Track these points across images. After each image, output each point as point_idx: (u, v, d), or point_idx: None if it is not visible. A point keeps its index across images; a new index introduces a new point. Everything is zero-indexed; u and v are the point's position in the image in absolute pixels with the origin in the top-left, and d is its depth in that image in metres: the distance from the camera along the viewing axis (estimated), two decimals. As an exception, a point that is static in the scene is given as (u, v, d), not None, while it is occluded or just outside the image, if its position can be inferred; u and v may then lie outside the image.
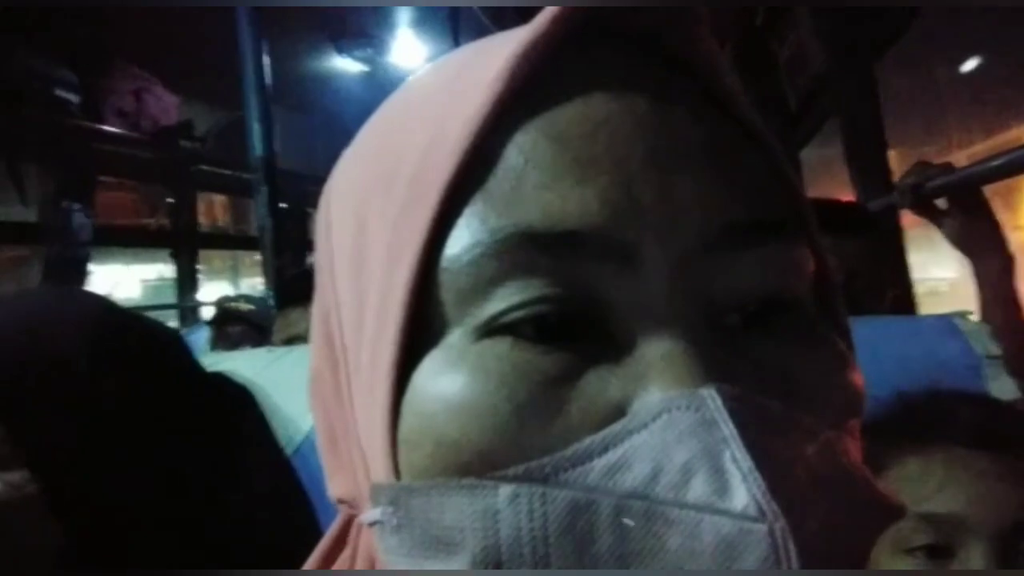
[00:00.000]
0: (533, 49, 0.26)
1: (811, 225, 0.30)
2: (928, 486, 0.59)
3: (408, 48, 3.50)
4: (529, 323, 0.25)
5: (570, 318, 0.25)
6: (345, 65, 3.19)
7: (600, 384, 0.25)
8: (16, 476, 0.59)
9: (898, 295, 1.31)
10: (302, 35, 2.89)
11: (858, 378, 0.28)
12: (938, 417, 0.63)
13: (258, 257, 1.71)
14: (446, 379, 0.25)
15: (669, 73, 0.28)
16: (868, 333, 0.86)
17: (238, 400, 0.80)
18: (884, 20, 1.77)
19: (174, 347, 0.76)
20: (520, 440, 0.24)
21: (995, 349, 0.79)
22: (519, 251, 0.25)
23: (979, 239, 1.12)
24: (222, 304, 2.20)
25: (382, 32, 3.02)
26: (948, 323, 0.85)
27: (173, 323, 3.38)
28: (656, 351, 0.25)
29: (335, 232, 0.32)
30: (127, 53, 2.82)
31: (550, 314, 0.25)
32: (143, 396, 0.67)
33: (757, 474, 0.21)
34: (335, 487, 0.33)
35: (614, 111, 0.26)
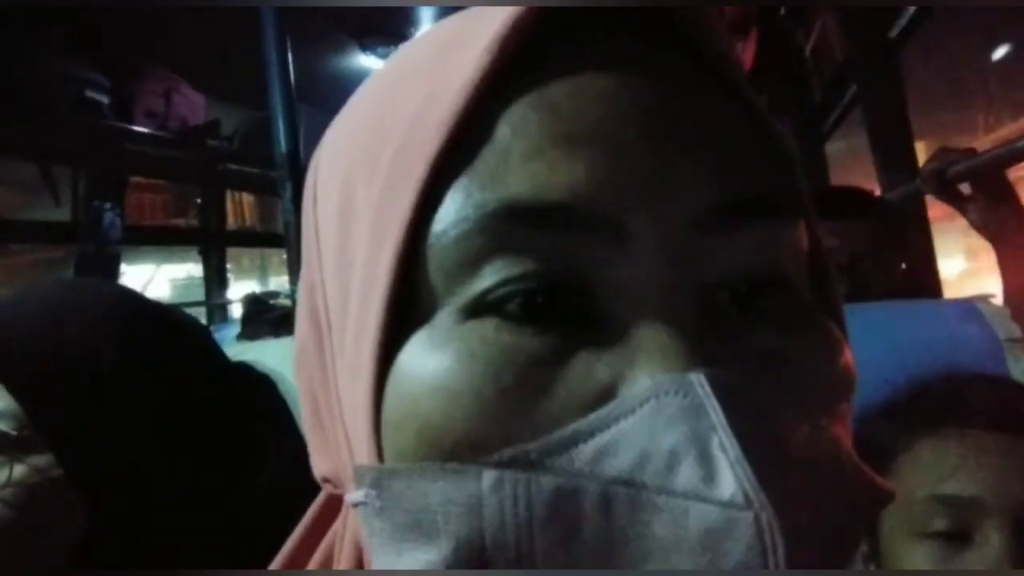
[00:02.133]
0: (522, 23, 0.25)
1: (808, 206, 0.29)
2: (943, 469, 0.59)
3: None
4: (515, 302, 0.25)
5: (558, 296, 0.25)
6: (369, 63, 3.20)
7: (587, 366, 0.24)
8: (41, 460, 0.61)
9: (922, 279, 1.31)
10: (326, 34, 2.91)
11: (849, 361, 0.28)
12: (953, 400, 0.63)
13: (285, 256, 1.72)
14: (431, 361, 0.25)
15: (669, 48, 0.28)
16: (889, 318, 0.86)
17: (261, 389, 0.81)
18: (905, 7, 1.75)
19: (198, 336, 0.78)
20: (506, 424, 0.24)
21: (1016, 332, 0.79)
22: (505, 226, 0.24)
23: (1003, 223, 1.11)
24: (250, 299, 2.23)
25: (406, 30, 3.03)
26: (970, 307, 0.85)
27: (202, 321, 3.42)
28: (645, 333, 0.24)
29: (321, 203, 0.32)
30: (155, 54, 2.86)
31: (537, 292, 0.25)
32: (166, 384, 0.68)
33: (744, 462, 0.21)
34: (319, 465, 0.33)
35: (609, 85, 0.25)
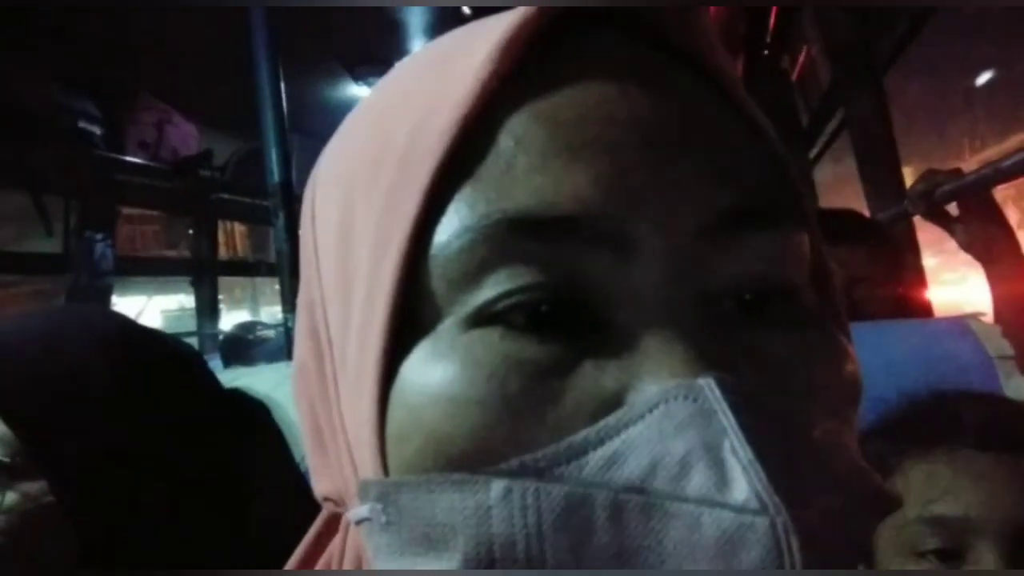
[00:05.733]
0: (521, 32, 0.26)
1: (809, 214, 0.29)
2: (935, 489, 0.59)
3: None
4: (520, 312, 0.24)
5: (562, 306, 0.24)
6: (360, 91, 3.23)
7: (594, 375, 0.24)
8: (34, 487, 0.60)
9: (913, 300, 1.31)
10: (318, 63, 2.93)
11: (856, 368, 0.27)
12: (945, 419, 0.63)
13: (277, 286, 1.72)
14: (435, 370, 0.24)
15: (666, 59, 0.27)
16: (881, 336, 0.86)
17: (254, 416, 0.81)
18: (890, 30, 1.78)
19: (191, 362, 0.77)
20: (513, 433, 0.23)
21: (1008, 349, 0.79)
22: (509, 237, 0.24)
23: (991, 243, 1.12)
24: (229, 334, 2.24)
25: (396, 58, 3.05)
26: (961, 325, 0.85)
27: (194, 350, 3.41)
28: (652, 341, 0.24)
29: (319, 222, 0.31)
30: (147, 84, 2.87)
31: (542, 302, 0.24)
32: (160, 411, 0.68)
33: (757, 465, 0.21)
34: (320, 484, 0.32)
35: (608, 95, 0.25)
